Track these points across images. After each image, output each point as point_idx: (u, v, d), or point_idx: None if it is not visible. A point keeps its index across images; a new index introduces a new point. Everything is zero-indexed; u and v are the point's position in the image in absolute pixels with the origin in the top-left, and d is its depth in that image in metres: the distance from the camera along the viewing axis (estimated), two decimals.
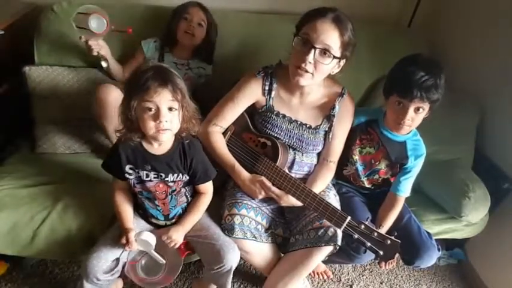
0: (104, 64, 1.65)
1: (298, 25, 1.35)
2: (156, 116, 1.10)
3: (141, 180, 1.25)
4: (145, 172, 1.23)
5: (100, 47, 1.58)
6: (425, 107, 1.36)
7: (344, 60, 1.36)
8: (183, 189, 1.31)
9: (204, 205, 1.36)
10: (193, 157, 1.25)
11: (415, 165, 1.51)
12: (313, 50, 1.27)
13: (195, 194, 1.37)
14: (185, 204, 1.35)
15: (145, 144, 1.22)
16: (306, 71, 1.30)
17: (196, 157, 1.26)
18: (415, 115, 1.37)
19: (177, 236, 1.27)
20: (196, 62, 1.80)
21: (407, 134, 1.49)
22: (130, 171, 1.23)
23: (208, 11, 1.77)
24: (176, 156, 1.24)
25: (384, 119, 1.50)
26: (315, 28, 1.27)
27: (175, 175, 1.25)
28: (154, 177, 1.24)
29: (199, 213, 1.34)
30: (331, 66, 1.32)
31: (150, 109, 1.10)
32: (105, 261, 1.24)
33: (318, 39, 1.27)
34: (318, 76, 1.34)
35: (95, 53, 1.58)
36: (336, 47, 1.28)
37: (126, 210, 1.29)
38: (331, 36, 1.27)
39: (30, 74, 1.63)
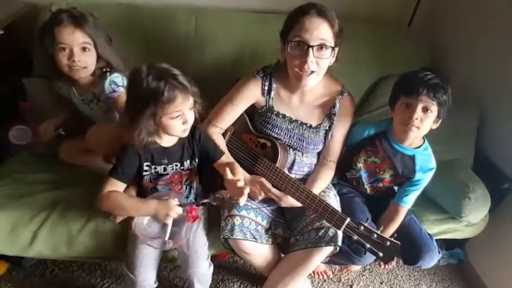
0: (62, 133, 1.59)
1: (284, 31, 1.35)
2: (185, 120, 1.17)
3: (158, 175, 1.28)
4: (162, 166, 1.27)
5: (47, 132, 1.53)
6: (434, 108, 1.32)
7: (337, 48, 1.35)
8: (195, 178, 1.36)
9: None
10: (200, 137, 1.29)
11: (424, 179, 1.47)
12: (310, 50, 1.27)
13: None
14: (193, 195, 1.37)
15: (157, 140, 1.22)
16: (311, 72, 1.31)
17: (202, 137, 1.30)
18: (424, 115, 1.33)
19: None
20: (102, 86, 1.46)
21: (418, 147, 1.45)
22: (147, 168, 1.25)
23: (87, 20, 1.39)
24: (186, 143, 1.28)
25: (392, 130, 1.46)
26: (305, 28, 1.27)
27: (189, 161, 1.30)
28: (171, 170, 1.28)
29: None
30: (330, 57, 1.33)
31: (178, 115, 1.15)
32: (153, 271, 1.31)
33: (312, 38, 1.27)
34: (321, 72, 1.35)
35: (51, 135, 1.54)
36: (330, 39, 1.29)
37: (131, 196, 1.28)
38: (323, 30, 1.28)
39: (29, 86, 1.63)
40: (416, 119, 1.33)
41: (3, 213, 1.35)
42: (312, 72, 1.32)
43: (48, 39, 1.36)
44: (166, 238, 1.21)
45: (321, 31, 1.27)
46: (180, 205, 1.19)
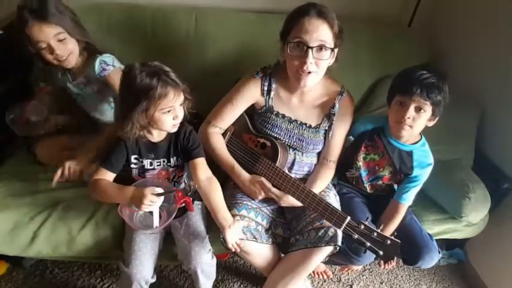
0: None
1: (284, 32, 1.34)
2: (175, 116, 1.22)
3: (144, 169, 1.32)
4: (149, 161, 1.31)
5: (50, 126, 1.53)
6: (427, 108, 1.33)
7: (337, 49, 1.35)
8: (184, 174, 1.39)
9: (218, 186, 1.32)
10: (185, 131, 1.32)
11: (422, 175, 1.47)
12: (310, 51, 1.27)
13: (199, 183, 1.32)
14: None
15: (146, 135, 1.27)
16: (309, 72, 1.31)
17: (187, 130, 1.32)
18: (416, 115, 1.34)
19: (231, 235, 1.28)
20: (92, 67, 1.47)
21: (415, 143, 1.46)
22: (135, 161, 1.30)
23: (47, 10, 1.31)
24: (173, 140, 1.32)
25: (388, 126, 1.46)
26: (305, 29, 1.27)
27: (175, 158, 1.34)
28: (158, 165, 1.33)
29: (216, 199, 1.31)
30: (330, 58, 1.33)
31: (169, 110, 1.20)
32: (148, 265, 1.30)
33: (311, 39, 1.27)
34: (320, 72, 1.35)
35: (53, 128, 1.53)
36: (329, 40, 1.29)
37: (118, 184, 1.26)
38: (322, 31, 1.27)
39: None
40: (409, 118, 1.34)
41: (4, 213, 1.35)
42: (311, 72, 1.32)
43: (26, 40, 1.35)
44: (154, 226, 1.24)
45: (320, 32, 1.27)
46: (158, 194, 1.18)
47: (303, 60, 1.29)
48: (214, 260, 1.39)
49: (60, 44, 1.37)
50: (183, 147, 1.32)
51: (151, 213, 1.23)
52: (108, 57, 1.49)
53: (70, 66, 1.44)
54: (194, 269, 1.32)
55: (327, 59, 1.31)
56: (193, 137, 1.34)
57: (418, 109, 1.33)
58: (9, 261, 1.63)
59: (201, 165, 1.32)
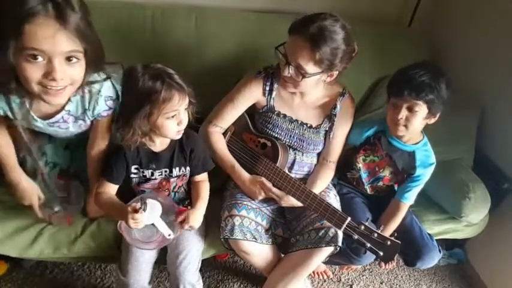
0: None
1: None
2: (180, 121, 1.15)
3: (146, 179, 1.27)
4: (150, 171, 1.25)
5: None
6: (421, 107, 1.31)
7: (335, 72, 1.33)
8: (183, 185, 1.34)
9: (208, 191, 1.32)
10: (192, 146, 1.27)
11: (424, 174, 1.47)
12: (287, 66, 1.28)
13: (193, 185, 1.34)
14: (183, 197, 1.37)
15: (147, 143, 1.22)
16: (287, 81, 1.33)
17: (195, 146, 1.28)
18: (410, 114, 1.33)
19: (195, 219, 1.22)
20: (90, 104, 1.12)
21: (417, 143, 1.46)
22: (135, 171, 1.25)
23: (76, 20, 0.86)
24: (177, 149, 1.26)
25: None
26: (289, 44, 1.28)
27: (178, 168, 1.27)
28: (159, 175, 1.27)
29: (206, 198, 1.31)
30: (311, 81, 1.31)
31: (173, 116, 1.13)
32: (145, 274, 1.30)
33: (289, 56, 1.27)
34: (300, 87, 1.35)
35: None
36: (307, 66, 1.26)
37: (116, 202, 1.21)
38: (301, 55, 1.25)
39: None
40: (401, 118, 1.33)
41: (9, 214, 1.34)
42: (287, 82, 1.34)
43: (11, 36, 0.82)
44: (167, 236, 1.16)
45: (299, 55, 1.25)
46: (137, 210, 1.07)
47: (283, 70, 1.31)
48: (200, 283, 1.36)
49: (68, 66, 0.91)
50: (191, 163, 1.29)
51: (153, 227, 1.17)
52: (109, 88, 1.13)
53: (54, 103, 1.00)
54: (177, 286, 1.31)
55: (299, 81, 1.30)
56: (201, 150, 1.30)
57: (410, 109, 1.33)
58: (9, 262, 1.63)
59: (202, 177, 1.34)
